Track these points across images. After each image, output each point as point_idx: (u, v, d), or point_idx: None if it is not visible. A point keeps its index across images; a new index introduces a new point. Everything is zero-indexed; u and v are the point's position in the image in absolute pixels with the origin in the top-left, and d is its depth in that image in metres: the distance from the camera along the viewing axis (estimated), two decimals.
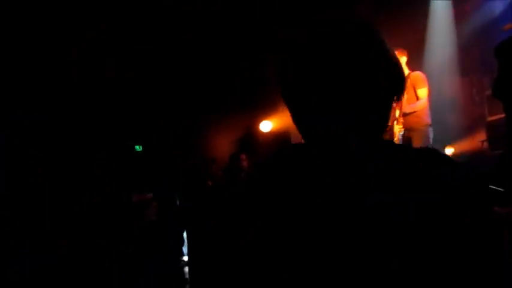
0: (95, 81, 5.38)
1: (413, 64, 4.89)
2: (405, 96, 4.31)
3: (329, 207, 0.79)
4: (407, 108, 4.43)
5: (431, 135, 4.48)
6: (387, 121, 0.88)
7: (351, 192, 0.78)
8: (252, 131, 7.15)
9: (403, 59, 4.45)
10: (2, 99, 5.27)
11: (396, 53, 3.59)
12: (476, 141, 6.39)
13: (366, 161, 0.81)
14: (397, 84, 0.89)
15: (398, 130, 4.37)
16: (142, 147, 6.97)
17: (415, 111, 4.43)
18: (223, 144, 6.71)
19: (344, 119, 0.84)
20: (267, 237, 0.81)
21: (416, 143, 4.27)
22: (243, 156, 5.78)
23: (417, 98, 4.40)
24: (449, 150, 6.89)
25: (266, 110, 7.02)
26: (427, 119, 4.46)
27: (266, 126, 7.11)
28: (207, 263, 4.60)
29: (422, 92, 4.40)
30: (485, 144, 6.10)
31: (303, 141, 0.91)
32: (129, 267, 3.29)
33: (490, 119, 6.17)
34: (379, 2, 6.53)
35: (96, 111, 5.08)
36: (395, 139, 4.31)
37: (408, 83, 4.31)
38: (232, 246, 0.87)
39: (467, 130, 6.70)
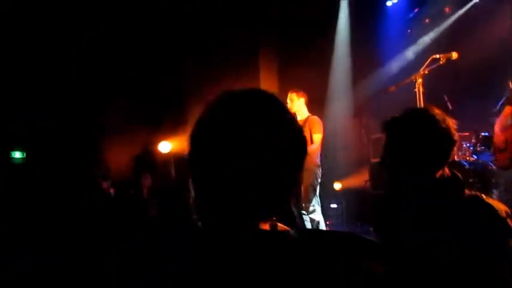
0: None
1: (315, 104, 5.29)
2: None
3: None
4: None
5: (319, 174, 4.84)
6: (288, 196, 0.88)
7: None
8: (149, 150, 7.00)
9: (301, 101, 4.85)
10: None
11: (295, 94, 3.78)
12: (361, 179, 6.92)
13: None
14: (299, 159, 0.87)
15: None
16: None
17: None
18: (119, 160, 6.46)
19: (242, 198, 0.83)
20: None
21: (306, 181, 4.65)
22: (147, 175, 5.87)
23: (311, 141, 4.72)
24: (337, 185, 7.37)
25: (165, 130, 6.95)
26: (316, 159, 4.81)
27: (165, 147, 7.00)
28: None
29: (317, 137, 4.78)
30: (368, 183, 6.62)
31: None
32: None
33: (373, 160, 6.73)
34: (285, 47, 7.01)
35: None
36: None
37: (306, 126, 4.67)
38: None
39: (354, 168, 7.24)
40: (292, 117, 0.90)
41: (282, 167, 0.84)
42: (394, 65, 6.81)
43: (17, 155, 6.47)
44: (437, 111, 1.66)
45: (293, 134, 0.88)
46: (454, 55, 3.79)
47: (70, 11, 5.18)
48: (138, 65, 6.61)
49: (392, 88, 4.00)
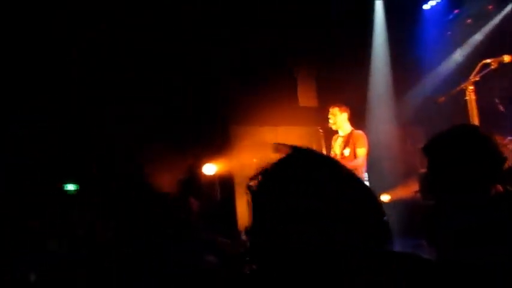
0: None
1: (354, 116, 5.19)
2: (346, 153, 4.62)
3: None
4: (347, 165, 4.66)
5: None
6: None
7: None
8: (194, 173, 7.06)
9: (344, 116, 4.77)
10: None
11: (337, 109, 3.71)
12: (410, 190, 6.67)
13: None
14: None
15: None
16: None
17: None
18: (164, 184, 6.55)
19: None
20: None
21: None
22: (192, 200, 5.88)
23: (355, 156, 4.63)
24: (385, 197, 7.15)
25: (209, 152, 6.98)
26: (362, 174, 4.76)
27: (210, 169, 7.03)
28: None
29: (361, 152, 4.70)
30: (418, 194, 6.38)
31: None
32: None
33: (422, 170, 6.49)
34: (322, 59, 6.94)
35: None
36: None
37: (350, 141, 4.60)
38: None
39: (402, 179, 7.01)
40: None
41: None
42: (440, 70, 6.59)
43: (70, 187, 6.68)
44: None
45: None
46: (507, 58, 3.60)
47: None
48: (182, 87, 6.71)
49: (442, 99, 3.87)
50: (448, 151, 1.65)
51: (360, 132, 4.81)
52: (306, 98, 7.66)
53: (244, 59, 6.79)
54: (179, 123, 6.84)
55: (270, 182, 0.97)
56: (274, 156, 1.00)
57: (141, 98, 6.46)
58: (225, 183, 6.91)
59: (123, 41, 6.11)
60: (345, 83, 6.21)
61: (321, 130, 5.62)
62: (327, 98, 6.31)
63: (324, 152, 5.85)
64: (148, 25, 6.10)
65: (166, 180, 6.62)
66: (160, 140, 6.68)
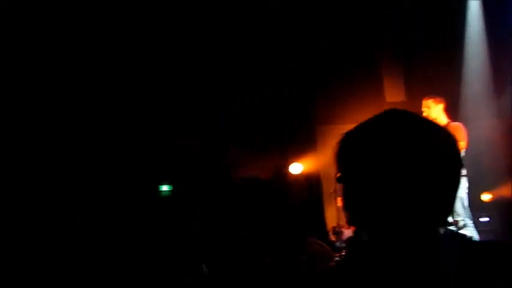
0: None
1: (450, 109, 4.87)
2: None
3: None
4: None
5: (466, 185, 4.41)
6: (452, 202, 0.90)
7: None
8: (281, 173, 7.10)
9: (439, 107, 4.46)
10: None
11: (432, 101, 3.51)
12: None
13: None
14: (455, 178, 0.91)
15: None
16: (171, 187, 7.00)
17: None
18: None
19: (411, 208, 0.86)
20: None
21: None
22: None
23: None
24: (486, 196, 6.63)
25: (295, 151, 6.98)
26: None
27: (296, 168, 7.03)
28: None
29: (461, 145, 4.37)
30: None
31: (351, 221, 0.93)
32: None
33: None
34: (409, 52, 6.62)
35: None
36: None
37: None
38: None
39: (504, 176, 6.45)
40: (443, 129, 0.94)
41: (443, 175, 0.87)
42: None
43: (165, 188, 7.04)
44: None
45: (449, 142, 0.92)
46: None
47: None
48: (267, 89, 6.76)
49: None
50: None
51: (457, 124, 4.49)
52: (393, 92, 7.36)
53: (328, 58, 6.70)
54: (266, 124, 6.91)
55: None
56: None
57: (229, 99, 6.62)
58: (312, 182, 6.86)
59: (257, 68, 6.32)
60: (434, 75, 5.85)
61: None
62: (416, 92, 6.01)
63: None
64: (286, 51, 6.18)
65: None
66: (247, 141, 6.81)
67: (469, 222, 4.40)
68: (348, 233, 5.41)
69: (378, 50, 7.09)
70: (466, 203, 4.41)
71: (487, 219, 6.34)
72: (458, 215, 4.32)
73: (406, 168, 0.84)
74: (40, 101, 4.71)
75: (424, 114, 4.70)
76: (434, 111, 4.49)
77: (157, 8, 4.71)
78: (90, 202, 4.48)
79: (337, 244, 5.31)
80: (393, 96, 7.37)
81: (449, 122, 4.52)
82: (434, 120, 0.96)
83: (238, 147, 6.77)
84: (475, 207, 5.99)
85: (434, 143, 0.89)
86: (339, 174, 0.95)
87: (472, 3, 6.82)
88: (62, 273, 3.50)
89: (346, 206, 0.93)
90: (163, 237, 4.44)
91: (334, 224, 6.01)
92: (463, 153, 4.58)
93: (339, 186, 0.96)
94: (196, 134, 5.89)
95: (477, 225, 5.84)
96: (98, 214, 4.35)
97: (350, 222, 0.94)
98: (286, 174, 7.09)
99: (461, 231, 4.31)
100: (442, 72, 6.16)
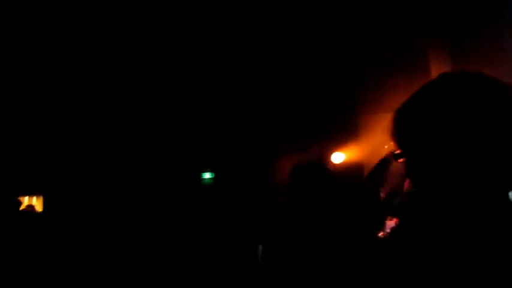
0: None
1: None
2: None
3: None
4: None
5: None
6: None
7: None
8: (322, 162, 6.80)
9: None
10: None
11: None
12: None
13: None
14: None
15: None
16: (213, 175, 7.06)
17: None
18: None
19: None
20: None
21: None
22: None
23: None
24: None
25: (337, 140, 6.68)
26: None
27: (338, 157, 6.68)
28: None
29: None
30: None
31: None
32: None
33: None
34: (458, 35, 5.96)
35: None
36: None
37: None
38: None
39: None
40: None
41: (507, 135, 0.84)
42: None
43: (207, 175, 7.12)
44: None
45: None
46: None
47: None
48: (309, 76, 6.52)
49: None
50: None
51: None
52: None
53: (370, 45, 6.21)
54: (308, 113, 6.66)
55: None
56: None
57: (269, 87, 6.45)
58: (355, 172, 6.50)
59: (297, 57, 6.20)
60: (487, 60, 5.04)
61: None
62: None
63: None
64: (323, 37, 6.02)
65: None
66: (289, 130, 6.60)
67: None
68: (390, 223, 5.06)
69: (423, 34, 6.40)
70: None
71: None
72: None
73: (469, 129, 0.83)
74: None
75: None
76: None
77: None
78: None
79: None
80: None
81: None
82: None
83: (280, 137, 6.61)
84: None
85: (495, 102, 0.86)
86: (397, 151, 0.94)
87: None
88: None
89: (413, 178, 0.92)
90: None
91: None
92: None
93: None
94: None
95: None
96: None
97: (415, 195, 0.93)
98: (328, 163, 6.77)
99: None
100: (495, 58, 5.33)
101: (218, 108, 6.31)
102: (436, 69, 6.50)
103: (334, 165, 6.73)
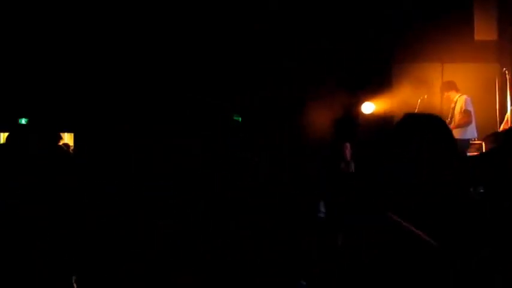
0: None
1: None
2: None
3: None
4: None
5: None
6: None
7: None
8: (352, 112, 6.76)
9: None
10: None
11: None
12: None
13: None
14: None
15: None
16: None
17: None
18: (320, 124, 6.40)
19: None
20: None
21: None
22: (347, 145, 5.61)
23: None
24: None
25: (368, 91, 6.59)
26: None
27: (368, 107, 6.62)
28: None
29: None
30: None
31: None
32: None
33: None
34: None
35: None
36: None
37: None
38: None
39: None
40: None
41: None
42: None
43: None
44: None
45: None
46: None
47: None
48: (343, 26, 6.45)
49: None
50: None
51: None
52: (484, 29, 6.51)
53: None
54: (340, 62, 6.57)
55: None
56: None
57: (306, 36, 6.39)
58: (385, 123, 6.44)
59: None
60: None
61: (506, 70, 4.70)
62: (510, 31, 5.38)
63: (509, 99, 4.97)
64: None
65: (326, 118, 6.47)
66: (320, 78, 6.55)
67: None
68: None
69: None
70: None
71: None
72: None
73: None
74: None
75: None
76: None
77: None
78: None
79: None
80: (484, 34, 6.52)
81: None
82: None
83: (314, 86, 6.56)
84: None
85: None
86: None
87: None
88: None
89: None
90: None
91: None
92: None
93: None
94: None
95: None
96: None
97: None
98: (357, 113, 6.75)
99: None
100: None
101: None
102: (480, 19, 6.45)
103: (364, 115, 6.70)
